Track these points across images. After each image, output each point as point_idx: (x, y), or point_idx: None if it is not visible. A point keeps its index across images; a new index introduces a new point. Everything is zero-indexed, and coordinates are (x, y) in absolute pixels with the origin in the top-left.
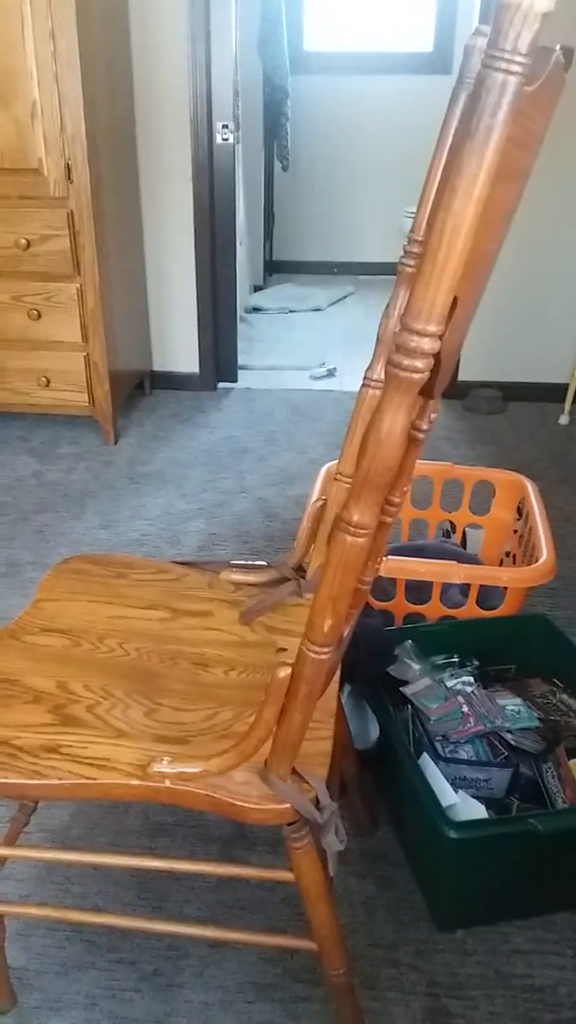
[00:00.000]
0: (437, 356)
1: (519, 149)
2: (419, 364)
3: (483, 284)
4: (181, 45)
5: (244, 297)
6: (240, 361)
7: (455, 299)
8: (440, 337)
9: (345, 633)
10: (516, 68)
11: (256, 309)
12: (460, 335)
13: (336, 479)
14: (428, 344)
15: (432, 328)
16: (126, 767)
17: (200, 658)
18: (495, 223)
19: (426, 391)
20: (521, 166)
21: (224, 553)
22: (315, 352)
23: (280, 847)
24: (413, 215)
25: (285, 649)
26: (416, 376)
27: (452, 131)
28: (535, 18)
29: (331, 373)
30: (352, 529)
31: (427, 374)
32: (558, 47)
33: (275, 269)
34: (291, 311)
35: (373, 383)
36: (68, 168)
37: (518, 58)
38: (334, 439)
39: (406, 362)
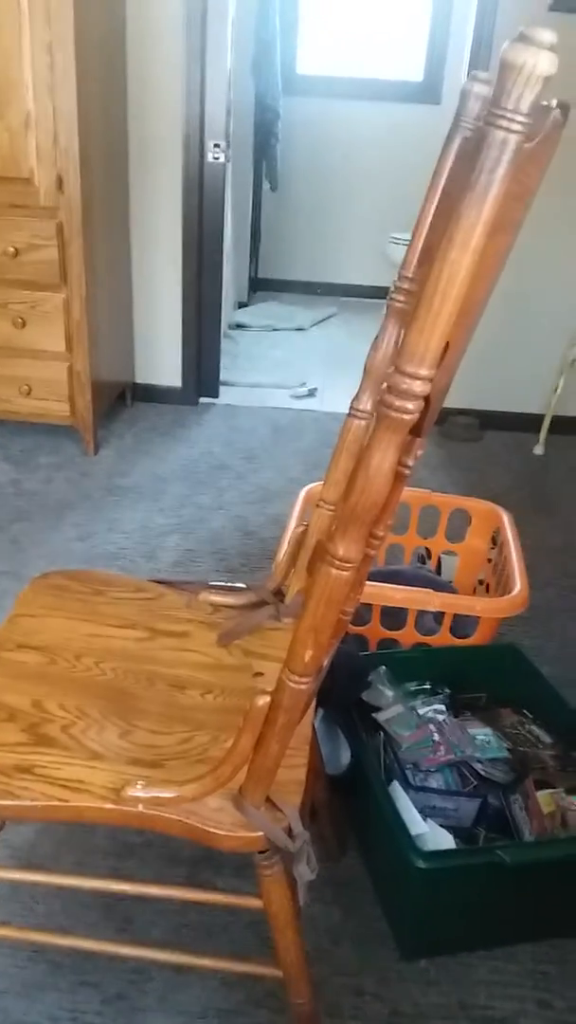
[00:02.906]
0: (427, 397)
1: (514, 202)
2: (410, 406)
3: (473, 328)
4: (176, 63)
5: (228, 313)
6: (222, 377)
7: (447, 343)
8: (431, 380)
9: (325, 663)
10: (517, 127)
11: (240, 326)
12: (450, 376)
13: (319, 506)
14: (419, 387)
15: (424, 372)
16: (100, 790)
17: (177, 680)
18: (488, 272)
19: (415, 430)
20: (515, 217)
21: (200, 570)
22: (297, 371)
23: (247, 870)
24: (398, 240)
25: (262, 673)
26: (406, 417)
27: (446, 171)
28: (537, 80)
29: (312, 393)
30: (337, 563)
31: (417, 415)
32: (555, 103)
33: (260, 287)
34: (274, 329)
35: (359, 413)
36: (59, 179)
37: (519, 117)
38: (314, 459)
39: (397, 403)
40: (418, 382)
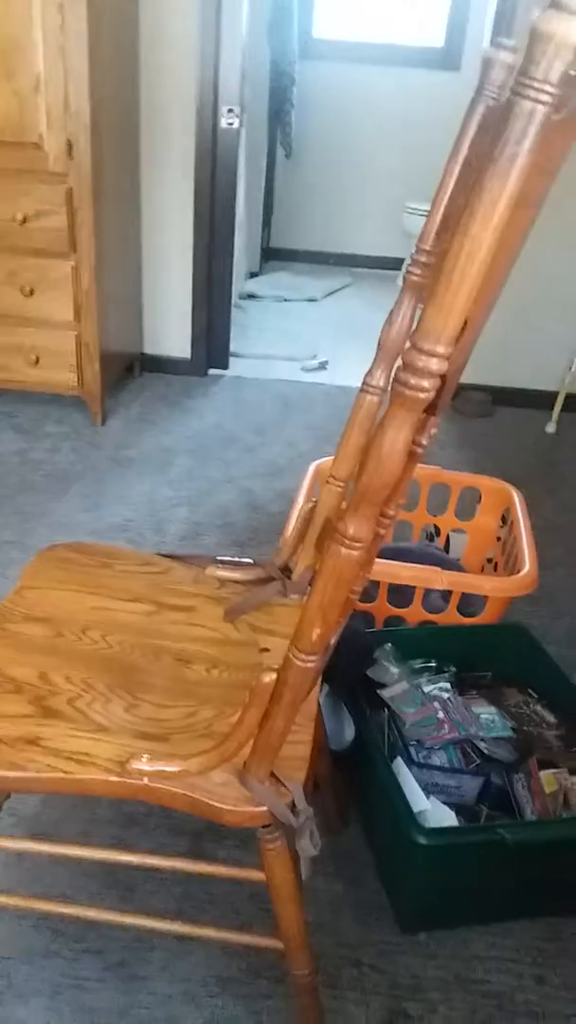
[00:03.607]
0: (443, 375)
1: (539, 175)
2: (426, 384)
3: (493, 305)
4: (190, 27)
5: (239, 283)
6: (232, 348)
7: (465, 321)
8: (448, 358)
9: (332, 641)
10: (545, 98)
11: (251, 296)
12: (466, 354)
13: (328, 482)
14: (436, 365)
15: (441, 349)
16: (105, 763)
17: (183, 654)
18: (509, 247)
19: (430, 409)
20: (539, 191)
21: (207, 543)
22: (308, 343)
23: (250, 842)
24: (415, 211)
25: (268, 649)
26: (422, 395)
27: (468, 140)
28: (568, 49)
29: (323, 366)
30: (347, 542)
31: (433, 393)
32: None
33: (271, 256)
34: (286, 300)
35: (371, 389)
36: (69, 144)
37: (548, 88)
38: (323, 433)
39: (413, 381)
40: (435, 360)
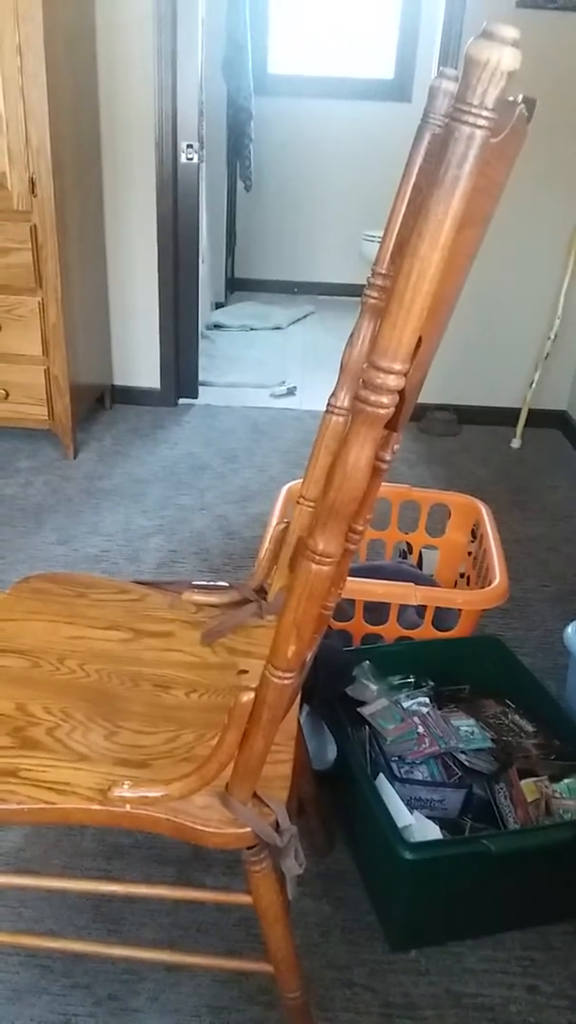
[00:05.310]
0: (402, 392)
1: (482, 196)
2: (385, 400)
3: (446, 322)
4: (147, 64)
5: (205, 314)
6: (201, 377)
7: (420, 338)
8: (405, 374)
9: (308, 658)
10: (483, 122)
11: (217, 326)
12: (424, 371)
13: (299, 502)
14: (394, 381)
15: (398, 366)
16: (86, 791)
17: (161, 680)
18: (459, 266)
19: (391, 424)
20: (484, 212)
21: (183, 570)
22: (275, 370)
23: (236, 867)
24: (372, 238)
25: (247, 671)
26: (382, 411)
27: (416, 169)
28: (502, 76)
29: (291, 392)
30: (318, 558)
31: (392, 409)
32: (520, 98)
33: (236, 287)
34: (252, 329)
35: (336, 410)
36: (32, 182)
37: (485, 112)
38: (294, 457)
39: (372, 398)
40: (392, 376)
